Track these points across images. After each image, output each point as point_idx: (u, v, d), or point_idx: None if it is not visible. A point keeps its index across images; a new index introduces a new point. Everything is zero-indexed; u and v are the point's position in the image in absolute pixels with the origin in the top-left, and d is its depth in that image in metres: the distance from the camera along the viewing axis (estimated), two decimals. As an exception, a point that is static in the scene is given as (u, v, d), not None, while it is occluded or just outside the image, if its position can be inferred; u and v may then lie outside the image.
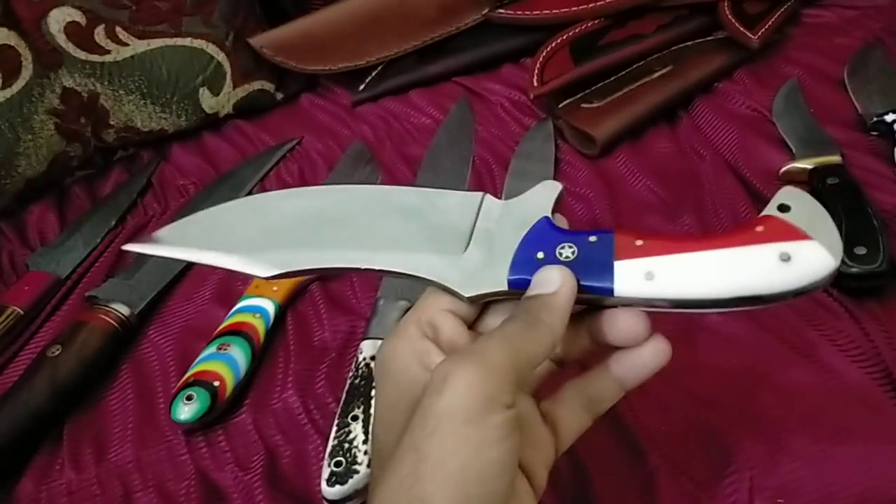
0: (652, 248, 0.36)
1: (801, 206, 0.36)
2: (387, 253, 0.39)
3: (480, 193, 0.41)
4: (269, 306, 0.62)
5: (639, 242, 0.36)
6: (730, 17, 0.83)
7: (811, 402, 0.51)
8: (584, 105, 0.79)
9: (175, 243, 0.41)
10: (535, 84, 0.81)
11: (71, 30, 0.77)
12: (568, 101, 0.81)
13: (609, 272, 0.36)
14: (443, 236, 0.39)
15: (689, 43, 0.86)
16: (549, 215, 0.39)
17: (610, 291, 0.36)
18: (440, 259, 0.38)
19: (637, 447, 0.51)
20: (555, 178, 0.73)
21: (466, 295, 0.37)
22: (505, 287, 0.37)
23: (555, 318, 0.35)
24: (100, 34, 0.79)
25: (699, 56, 0.83)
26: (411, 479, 0.30)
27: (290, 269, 0.39)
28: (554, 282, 0.35)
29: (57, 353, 0.59)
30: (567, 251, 0.37)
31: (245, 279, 0.68)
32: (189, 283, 0.70)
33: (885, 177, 0.67)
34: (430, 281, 0.38)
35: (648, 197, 0.71)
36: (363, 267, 0.39)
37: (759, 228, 0.35)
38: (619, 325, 0.37)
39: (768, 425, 0.50)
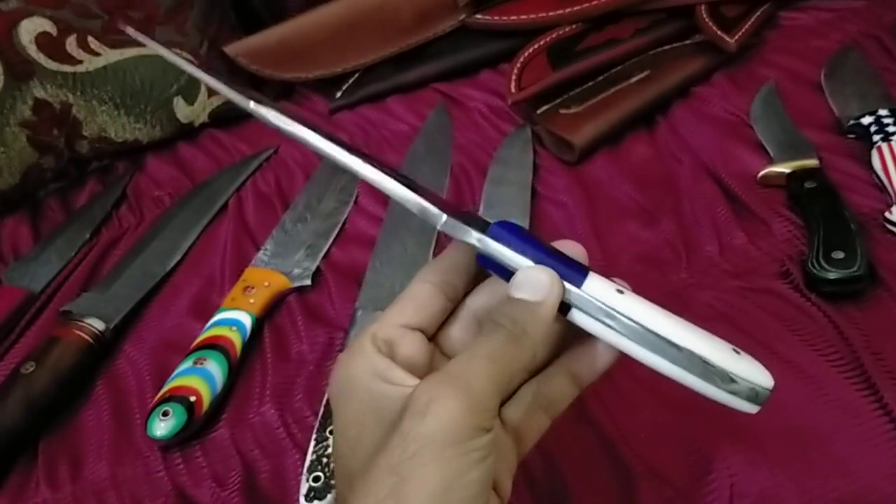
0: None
1: None
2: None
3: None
4: (246, 319, 0.61)
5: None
6: (707, 20, 0.84)
7: (791, 407, 0.51)
8: (562, 111, 0.79)
9: None
10: (513, 90, 0.81)
11: (42, 40, 0.76)
12: (546, 106, 0.80)
13: (582, 271, 0.36)
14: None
15: (666, 47, 0.86)
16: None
17: (579, 283, 0.35)
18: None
19: (616, 455, 0.50)
20: (533, 185, 0.74)
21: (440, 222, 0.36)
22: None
23: (540, 331, 0.34)
24: (71, 44, 0.78)
25: (677, 60, 0.83)
26: (391, 501, 0.30)
27: None
28: (542, 288, 0.34)
29: (31, 369, 0.58)
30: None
31: (221, 291, 0.67)
32: (165, 296, 0.69)
33: (862, 180, 0.67)
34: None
35: (627, 203, 0.71)
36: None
37: None
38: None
39: (748, 431, 0.50)
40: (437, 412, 0.31)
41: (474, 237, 0.36)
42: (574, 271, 0.35)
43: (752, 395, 0.34)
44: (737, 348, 0.35)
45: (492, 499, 0.35)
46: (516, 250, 0.35)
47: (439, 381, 0.32)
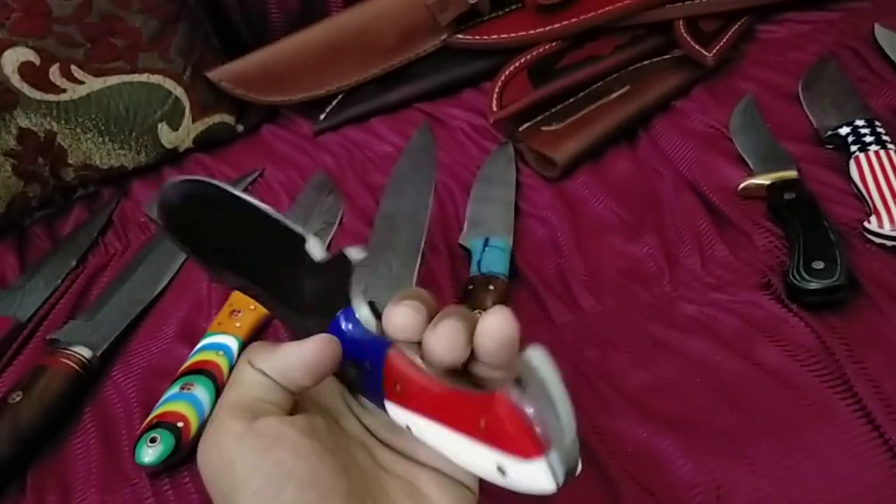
0: (406, 399, 0.36)
1: (535, 385, 0.30)
2: None
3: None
4: (233, 343, 0.62)
5: (398, 388, 0.36)
6: (685, 35, 0.84)
7: (774, 417, 0.52)
8: (543, 128, 0.80)
9: None
10: (495, 108, 0.82)
11: (25, 70, 0.76)
12: (528, 124, 0.81)
13: (382, 406, 0.37)
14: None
15: (646, 62, 0.86)
16: (350, 304, 0.38)
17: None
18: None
19: (602, 468, 0.51)
20: (516, 202, 0.74)
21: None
22: None
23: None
24: (55, 73, 0.78)
25: (656, 75, 0.84)
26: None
27: None
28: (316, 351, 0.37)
29: (18, 399, 0.58)
30: (352, 372, 0.39)
31: (207, 316, 0.67)
32: (152, 322, 0.69)
33: (840, 190, 0.67)
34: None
35: (609, 218, 0.71)
36: None
37: (482, 422, 0.31)
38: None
39: (732, 442, 0.51)
40: (201, 461, 0.36)
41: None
42: (378, 402, 0.38)
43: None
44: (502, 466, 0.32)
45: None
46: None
47: None
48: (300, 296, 0.40)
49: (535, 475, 0.30)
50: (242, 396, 0.36)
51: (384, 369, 0.36)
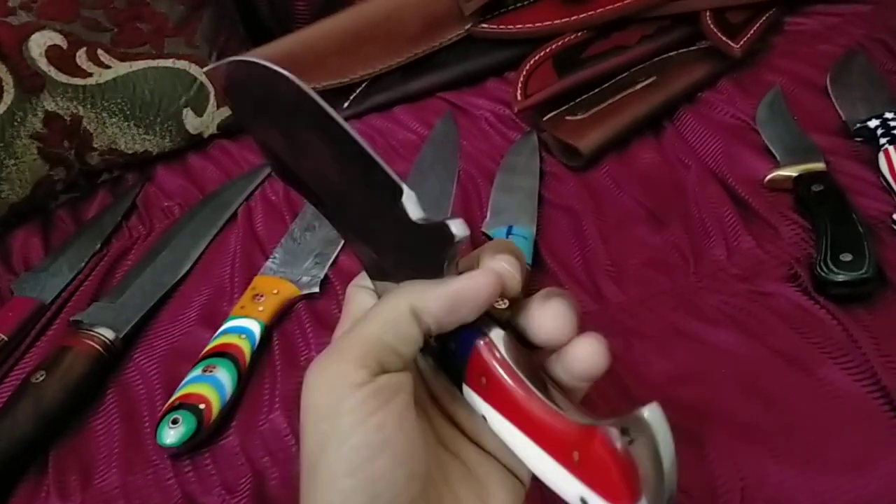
0: (489, 394, 0.35)
1: (644, 441, 0.29)
2: None
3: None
4: (255, 327, 0.62)
5: (483, 380, 0.35)
6: (712, 26, 0.84)
7: (800, 410, 0.51)
8: (568, 117, 0.79)
9: None
10: (519, 98, 0.81)
11: (52, 53, 0.77)
12: (552, 113, 0.81)
13: (458, 386, 0.37)
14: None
15: (672, 53, 0.86)
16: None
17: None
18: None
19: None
20: (540, 191, 0.74)
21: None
22: None
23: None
24: (81, 57, 0.78)
25: (682, 66, 0.83)
26: (309, 474, 0.34)
27: None
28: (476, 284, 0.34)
29: (41, 378, 0.58)
30: (452, 344, 0.37)
31: (230, 300, 0.68)
32: (174, 305, 0.69)
33: (869, 183, 0.67)
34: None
35: (635, 208, 0.71)
36: None
37: (575, 455, 0.31)
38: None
39: (757, 435, 0.50)
40: (304, 390, 0.33)
41: None
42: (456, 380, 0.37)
43: None
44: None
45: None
46: None
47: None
48: (374, 239, 0.37)
49: None
50: (378, 342, 0.33)
51: (470, 357, 0.35)
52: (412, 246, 0.35)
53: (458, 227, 0.33)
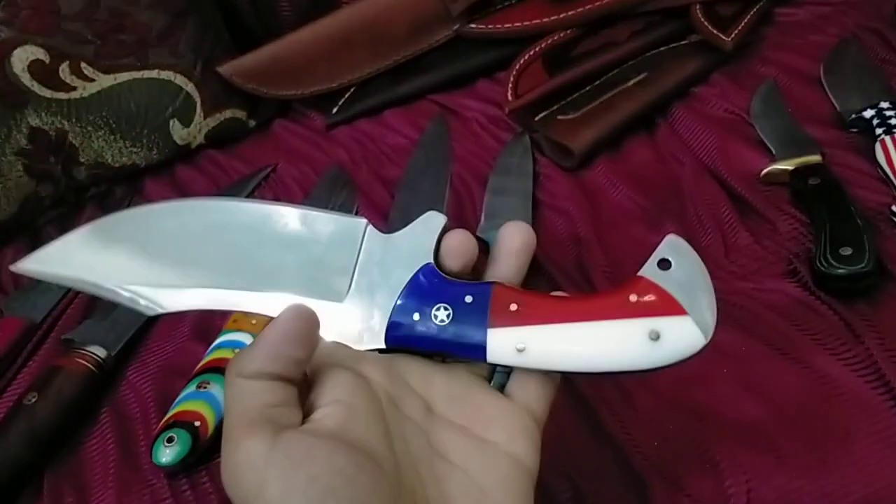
0: (525, 316, 0.36)
1: (682, 263, 0.35)
2: (264, 292, 0.38)
3: (363, 222, 0.40)
4: (249, 341, 0.61)
5: (513, 307, 0.36)
6: (702, 20, 0.83)
7: (804, 408, 0.50)
8: (560, 117, 0.79)
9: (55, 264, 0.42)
10: (510, 98, 0.80)
11: (35, 68, 0.76)
12: (544, 113, 0.80)
13: (482, 340, 0.36)
14: (323, 277, 0.39)
15: (662, 49, 0.85)
16: (431, 260, 0.38)
17: (483, 359, 0.36)
18: (319, 306, 0.36)
19: (630, 464, 0.50)
20: (534, 192, 0.73)
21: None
22: (383, 345, 0.37)
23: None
24: (65, 71, 0.77)
25: (674, 61, 0.83)
26: None
27: (160, 310, 0.40)
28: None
29: (33, 400, 0.57)
30: (442, 314, 0.37)
31: (223, 315, 0.67)
32: (167, 321, 0.68)
33: (866, 174, 0.66)
34: None
35: (629, 207, 0.70)
36: (237, 310, 0.39)
37: (633, 297, 0.35)
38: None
39: (763, 434, 0.50)
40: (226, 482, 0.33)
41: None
42: (473, 341, 0.37)
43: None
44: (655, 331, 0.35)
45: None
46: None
47: None
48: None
49: (691, 330, 0.34)
50: (248, 409, 0.33)
51: (491, 299, 0.36)
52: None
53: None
